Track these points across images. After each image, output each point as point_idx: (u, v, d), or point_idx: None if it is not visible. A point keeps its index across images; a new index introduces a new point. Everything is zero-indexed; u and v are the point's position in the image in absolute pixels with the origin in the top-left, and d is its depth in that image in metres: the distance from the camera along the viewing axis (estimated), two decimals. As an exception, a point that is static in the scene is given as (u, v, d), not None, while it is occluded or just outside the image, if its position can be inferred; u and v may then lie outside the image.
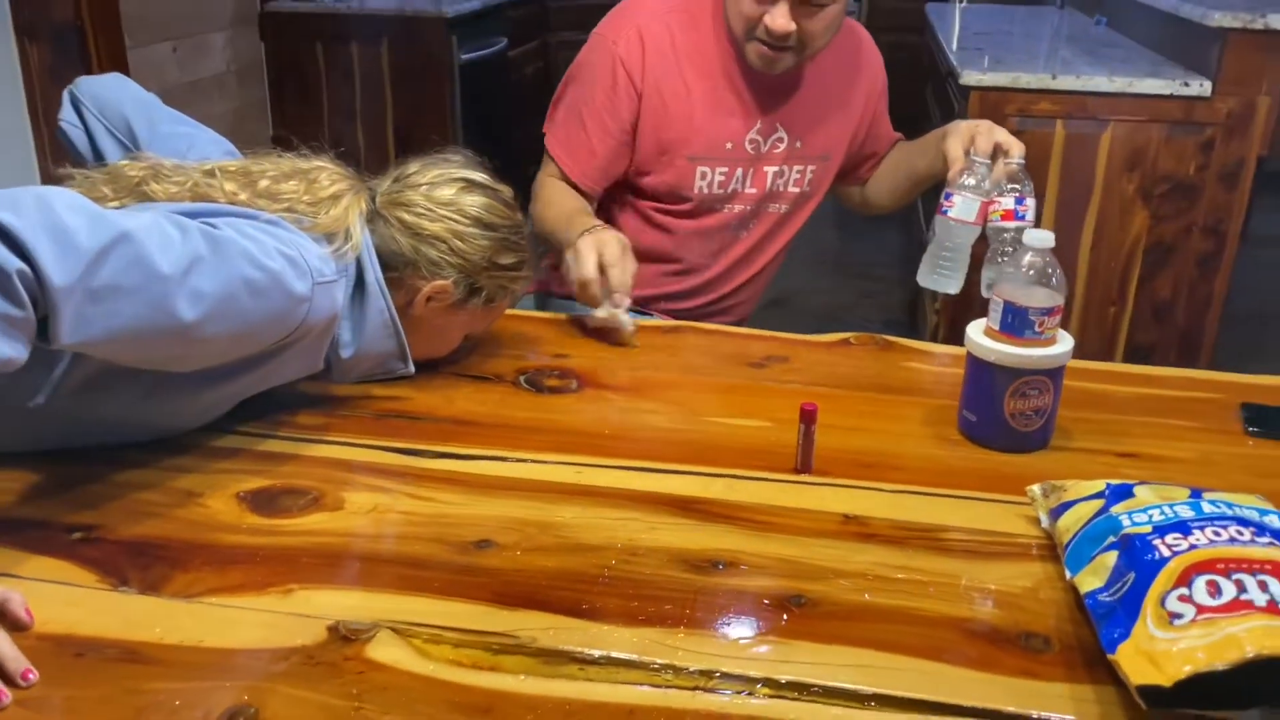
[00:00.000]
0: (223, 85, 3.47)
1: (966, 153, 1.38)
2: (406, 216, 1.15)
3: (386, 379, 1.20)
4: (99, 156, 1.24)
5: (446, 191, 1.17)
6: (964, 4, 4.90)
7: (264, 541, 0.94)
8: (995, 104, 2.49)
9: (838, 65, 1.63)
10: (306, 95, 3.71)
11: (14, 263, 0.76)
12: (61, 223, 0.80)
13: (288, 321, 0.99)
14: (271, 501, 1.00)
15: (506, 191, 1.22)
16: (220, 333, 0.92)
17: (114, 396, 1.00)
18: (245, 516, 0.97)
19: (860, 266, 4.11)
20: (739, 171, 1.60)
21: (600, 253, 1.32)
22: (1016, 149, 1.36)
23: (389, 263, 1.14)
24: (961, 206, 1.33)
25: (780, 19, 1.44)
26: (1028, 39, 3.30)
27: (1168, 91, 2.41)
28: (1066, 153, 2.49)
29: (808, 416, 1.06)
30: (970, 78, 2.48)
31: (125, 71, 2.75)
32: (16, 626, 0.80)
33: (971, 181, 1.34)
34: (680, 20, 1.55)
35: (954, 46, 2.93)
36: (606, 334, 1.37)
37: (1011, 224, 1.31)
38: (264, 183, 1.09)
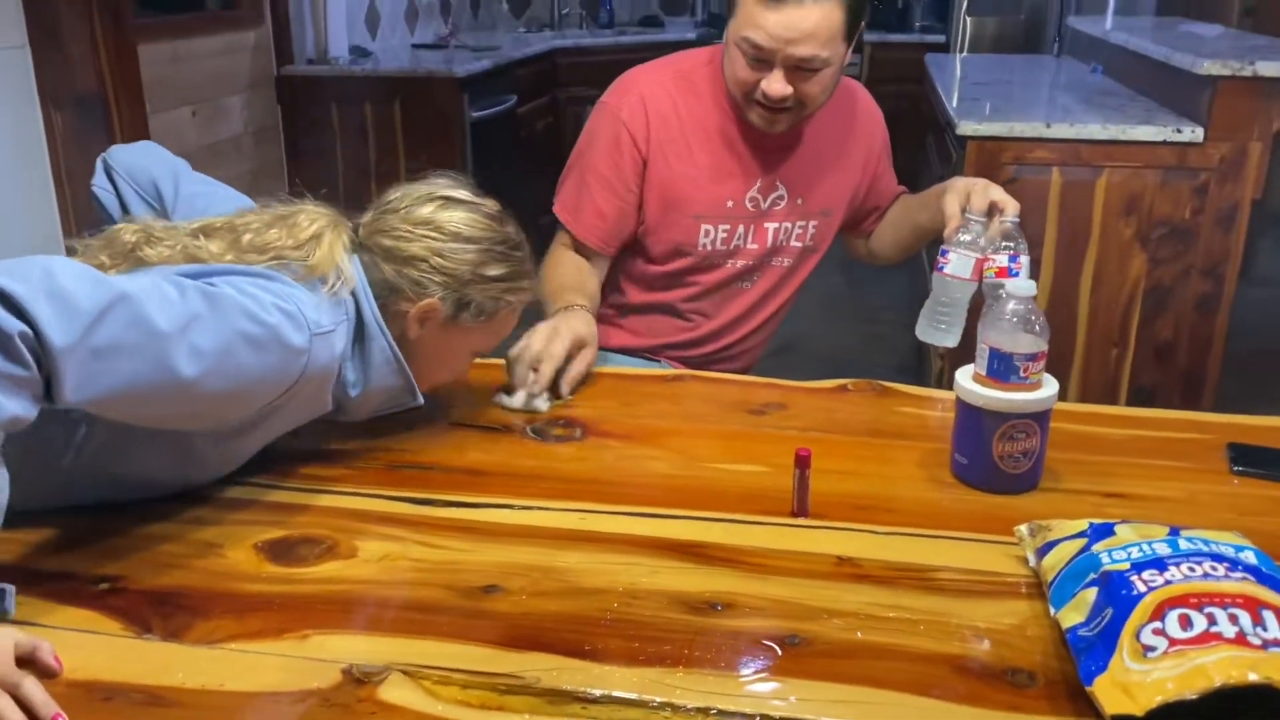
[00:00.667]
0: (240, 147, 3.57)
1: (963, 210, 1.42)
2: (386, 242, 1.16)
3: (398, 413, 1.23)
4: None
5: (424, 210, 1.17)
6: (964, 55, 5.00)
7: (281, 589, 0.98)
8: (992, 153, 2.54)
9: (836, 124, 1.68)
10: (322, 155, 3.80)
11: (16, 325, 0.81)
12: (63, 287, 0.84)
13: (287, 374, 1.02)
14: (288, 551, 1.04)
15: (490, 205, 1.21)
16: (220, 389, 0.96)
17: (133, 455, 1.05)
18: (263, 566, 1.02)
19: (867, 311, 4.15)
20: (740, 228, 1.65)
21: (549, 342, 1.38)
22: (1011, 207, 1.40)
23: (379, 293, 1.15)
24: (957, 263, 1.37)
25: (776, 84, 1.49)
26: (1025, 88, 3.38)
27: (1161, 138, 2.47)
28: (1063, 199, 2.54)
29: (802, 461, 1.10)
30: (967, 128, 2.54)
31: (146, 135, 2.85)
32: (46, 673, 0.84)
33: (967, 239, 1.38)
34: (680, 86, 1.62)
35: (952, 97, 2.99)
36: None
37: (1006, 281, 1.34)
38: (248, 236, 1.13)
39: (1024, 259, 1.35)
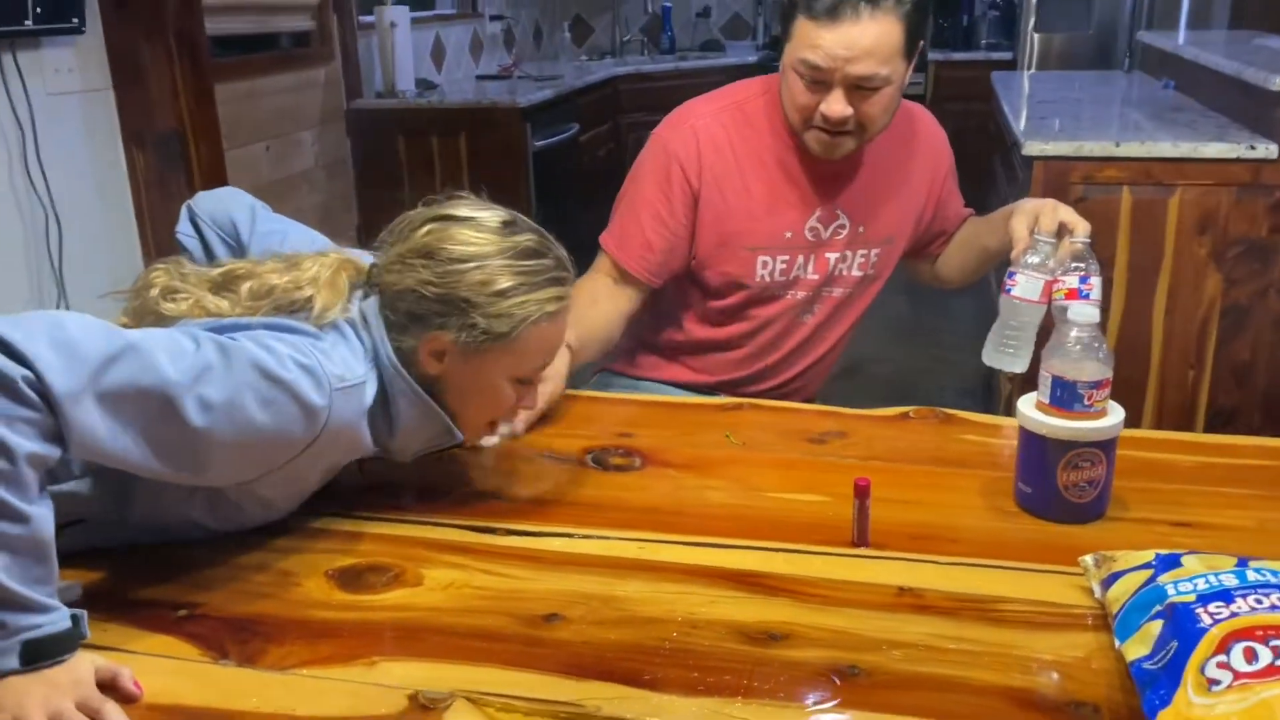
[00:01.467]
0: (311, 180, 3.67)
1: (1031, 232, 1.39)
2: (389, 279, 1.11)
3: (447, 449, 1.20)
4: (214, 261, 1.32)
5: (418, 237, 1.10)
6: (1031, 72, 4.94)
7: (350, 616, 1.01)
8: (1060, 173, 2.51)
9: (896, 148, 1.66)
10: (390, 186, 3.89)
11: (18, 370, 0.82)
12: (68, 336, 0.86)
13: (307, 429, 1.00)
14: (357, 579, 1.07)
15: (493, 216, 1.12)
16: (231, 441, 0.95)
17: (177, 507, 1.06)
18: (333, 593, 1.05)
19: (932, 335, 4.11)
20: (800, 259, 1.64)
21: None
22: (1082, 228, 1.37)
23: (395, 333, 1.10)
24: (1025, 285, 1.34)
25: (836, 105, 1.48)
26: (1095, 105, 3.33)
27: (1234, 155, 2.42)
28: (1135, 219, 2.50)
29: (861, 491, 1.10)
30: (1033, 148, 2.51)
31: (223, 171, 2.95)
32: (127, 699, 0.88)
33: (1035, 260, 1.34)
34: (734, 118, 1.62)
35: (1019, 115, 2.96)
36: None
37: (1076, 304, 1.27)
38: (250, 284, 1.11)
39: (1095, 280, 1.30)
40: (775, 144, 1.61)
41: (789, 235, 1.62)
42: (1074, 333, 1.12)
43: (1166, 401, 2.59)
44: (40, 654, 0.84)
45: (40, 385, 0.83)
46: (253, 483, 1.05)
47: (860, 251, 1.67)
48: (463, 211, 1.12)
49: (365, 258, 1.18)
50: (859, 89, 1.48)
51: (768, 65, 5.46)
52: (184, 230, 1.35)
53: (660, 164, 1.61)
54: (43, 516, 0.85)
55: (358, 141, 3.90)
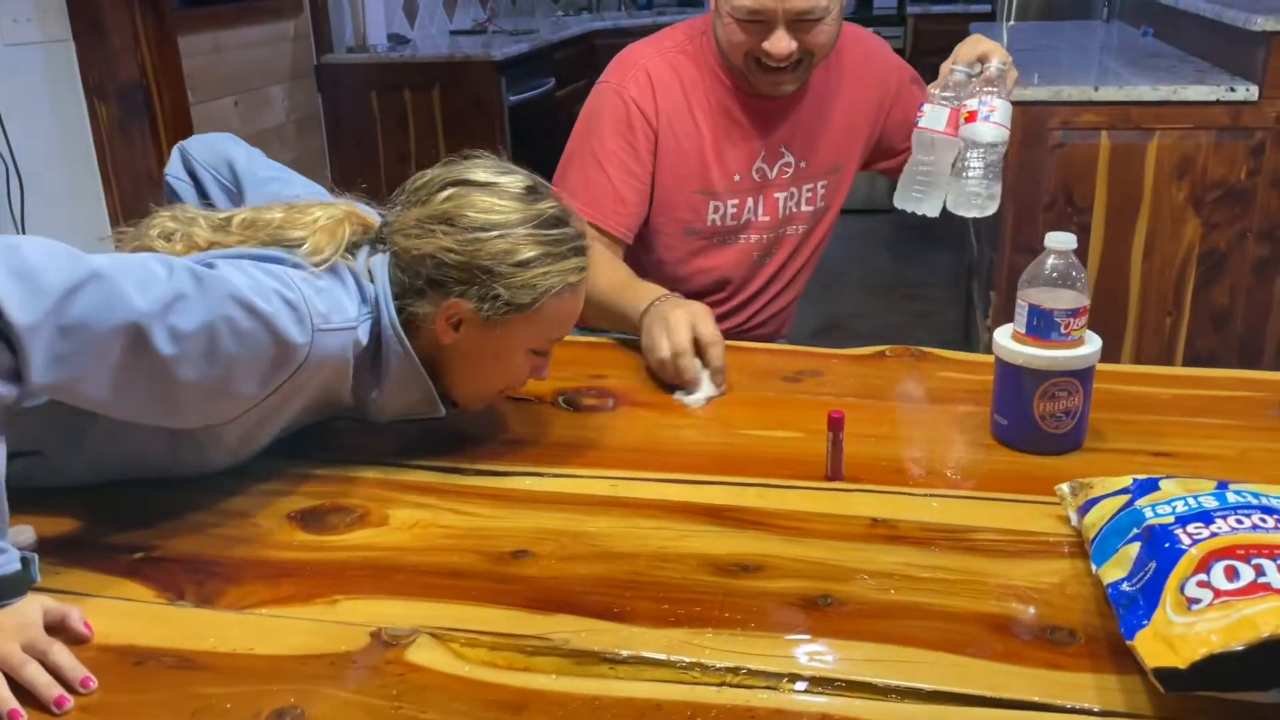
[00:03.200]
0: (282, 136, 3.60)
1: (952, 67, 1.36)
2: (403, 241, 1.07)
3: (425, 419, 1.16)
4: (210, 207, 1.27)
5: (437, 201, 1.07)
6: (1010, 23, 4.90)
7: (312, 556, 0.98)
8: (1039, 119, 2.48)
9: (834, 76, 1.61)
10: (362, 142, 3.83)
11: None
12: (27, 265, 0.81)
13: (283, 365, 0.96)
14: (319, 519, 1.04)
15: (515, 181, 1.08)
16: (202, 376, 0.90)
17: (145, 441, 1.02)
18: (295, 534, 1.02)
19: (911, 288, 4.10)
20: (749, 201, 1.60)
21: (695, 327, 1.28)
22: (997, 54, 1.33)
23: (400, 295, 1.07)
24: (931, 116, 1.28)
25: (781, 43, 1.43)
26: (1073, 53, 3.30)
27: (1214, 98, 2.39)
28: (1113, 163, 2.48)
29: (835, 424, 1.07)
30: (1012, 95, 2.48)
31: (189, 125, 2.89)
32: (77, 640, 0.85)
33: (947, 94, 1.29)
34: (680, 61, 1.56)
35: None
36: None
37: (978, 127, 1.24)
38: (242, 216, 1.09)
39: (998, 102, 1.25)
40: (717, 86, 1.57)
41: (737, 178, 1.59)
42: (1050, 260, 1.09)
43: (1144, 347, 2.59)
44: None
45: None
46: (220, 424, 1.01)
47: (806, 186, 1.64)
48: (483, 176, 1.08)
49: (372, 215, 1.14)
50: (801, 22, 1.44)
51: (745, 19, 5.39)
52: (175, 173, 1.30)
53: (619, 113, 1.54)
54: None
55: (329, 97, 3.82)
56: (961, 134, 1.26)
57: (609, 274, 1.45)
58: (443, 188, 1.08)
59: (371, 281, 1.07)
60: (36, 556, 0.87)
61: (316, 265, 1.03)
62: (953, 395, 1.30)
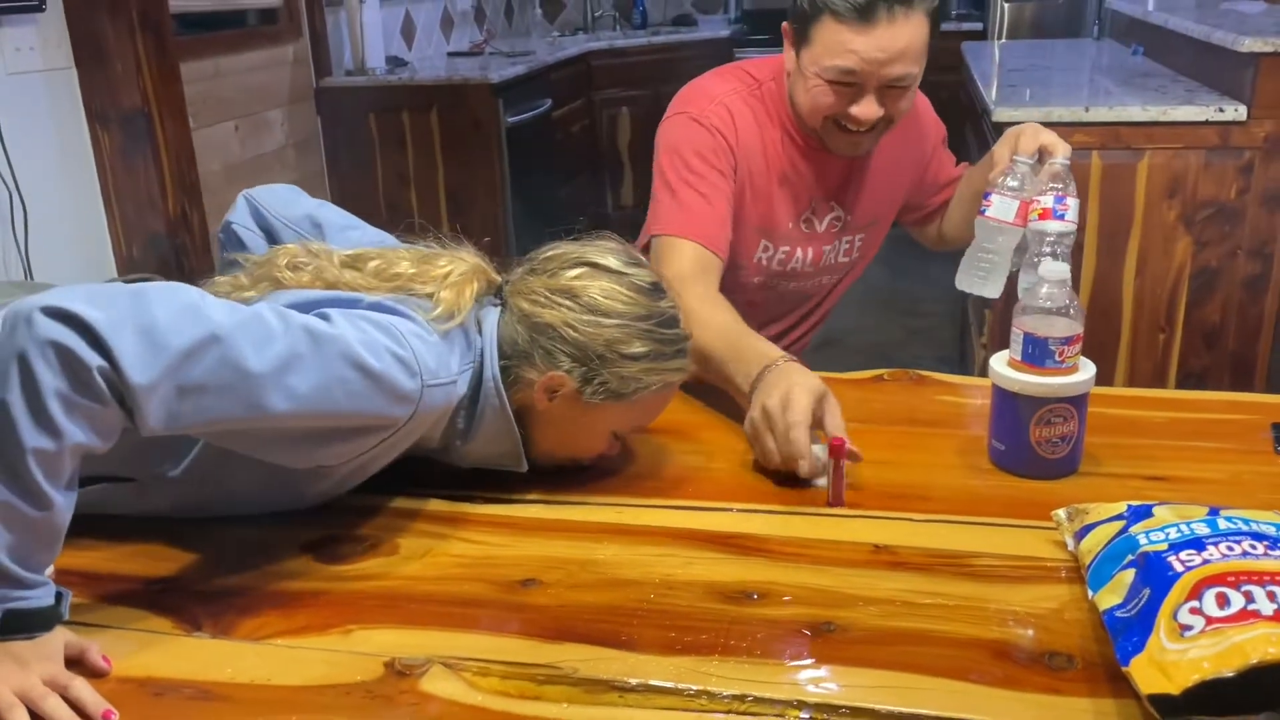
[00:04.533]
0: (282, 159, 3.63)
1: (1011, 156, 1.37)
2: (524, 304, 1.10)
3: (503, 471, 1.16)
4: None
5: (566, 276, 1.10)
6: (1002, 41, 4.94)
7: (326, 586, 1.00)
8: (1030, 139, 2.51)
9: (893, 138, 1.59)
10: (361, 165, 3.86)
11: (94, 359, 0.79)
12: (154, 321, 0.82)
13: (390, 420, 0.98)
14: (332, 549, 1.06)
15: (642, 276, 1.12)
16: (314, 429, 0.94)
17: (240, 474, 1.04)
18: (309, 564, 1.04)
19: (909, 304, 4.13)
20: (798, 251, 1.61)
21: (817, 398, 1.16)
22: (1061, 149, 1.34)
23: (508, 353, 1.10)
24: (999, 206, 1.31)
25: (869, 108, 1.42)
26: (1065, 72, 3.33)
27: (1203, 118, 2.42)
28: (1104, 184, 2.51)
29: (835, 451, 1.10)
30: (1003, 114, 2.51)
31: (191, 150, 2.91)
32: (96, 673, 0.87)
33: (1013, 183, 1.32)
34: (753, 99, 1.55)
35: (990, 84, 2.97)
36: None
37: (1050, 224, 1.27)
38: (375, 263, 1.10)
39: (1071, 200, 1.28)
40: (781, 131, 1.55)
41: (790, 225, 1.59)
42: (1045, 289, 1.12)
43: (1137, 365, 2.61)
44: (16, 626, 0.83)
45: (115, 376, 0.81)
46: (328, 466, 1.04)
47: (846, 239, 1.65)
48: (615, 263, 1.11)
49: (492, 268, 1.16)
50: (890, 89, 1.43)
51: (740, 40, 5.44)
52: (242, 222, 1.29)
53: (703, 138, 1.50)
54: (64, 506, 0.83)
55: (328, 120, 3.85)
56: (1034, 228, 1.29)
57: (714, 319, 1.35)
58: (574, 265, 1.11)
59: (480, 332, 1.10)
60: (70, 593, 0.89)
61: (440, 327, 1.04)
62: (951, 420, 1.32)
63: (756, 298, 1.65)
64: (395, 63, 4.13)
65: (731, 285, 1.62)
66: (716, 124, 1.50)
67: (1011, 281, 1.37)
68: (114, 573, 1.03)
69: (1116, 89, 2.79)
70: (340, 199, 3.84)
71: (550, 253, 1.14)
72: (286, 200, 1.31)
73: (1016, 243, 1.33)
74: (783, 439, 1.13)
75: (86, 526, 1.06)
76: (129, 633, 0.93)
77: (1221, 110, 2.41)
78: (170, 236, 2.79)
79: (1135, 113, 2.45)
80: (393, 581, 1.01)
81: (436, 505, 1.14)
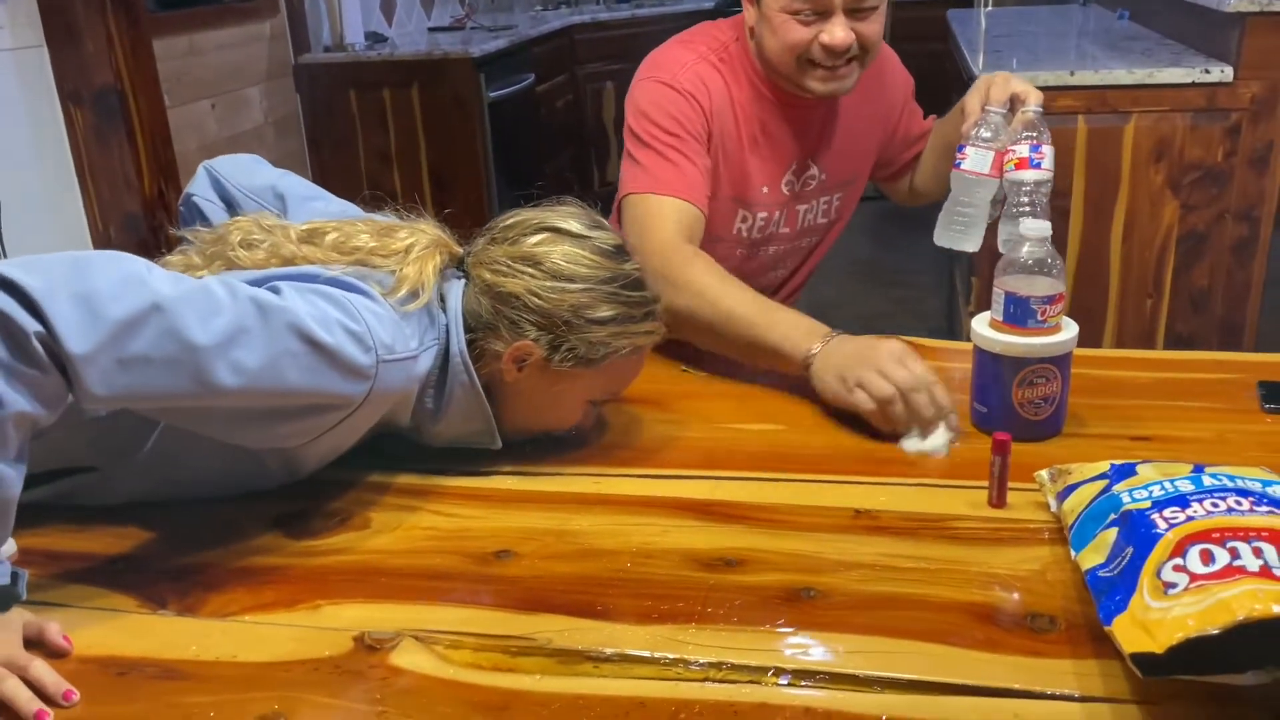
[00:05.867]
0: (261, 137, 3.58)
1: (983, 106, 1.35)
2: (487, 275, 1.07)
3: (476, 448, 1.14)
4: None
5: (528, 243, 1.07)
6: (988, 9, 4.90)
7: (295, 562, 0.98)
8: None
9: (861, 91, 1.57)
10: (342, 142, 3.81)
11: (31, 324, 0.77)
12: (92, 289, 0.80)
13: (345, 398, 0.95)
14: (302, 524, 1.04)
15: (605, 239, 1.10)
16: (265, 408, 0.91)
17: (203, 461, 1.02)
18: (278, 540, 1.02)
19: (895, 275, 4.11)
20: (776, 214, 1.58)
21: (909, 366, 1.15)
22: (1034, 97, 1.32)
23: (473, 326, 1.07)
24: (974, 159, 1.29)
25: (840, 32, 1.39)
26: (1051, 38, 3.30)
27: (1189, 80, 2.40)
28: (1090, 148, 2.48)
29: (1000, 447, 1.00)
30: (988, 79, 2.48)
31: (166, 129, 2.87)
32: (56, 653, 0.85)
33: (986, 134, 1.30)
34: (721, 62, 1.52)
35: (976, 51, 2.93)
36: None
37: (1027, 173, 1.25)
38: (332, 235, 1.07)
39: (1047, 148, 1.26)
40: (754, 97, 1.52)
41: (765, 190, 1.56)
42: (1026, 248, 1.10)
43: (1125, 330, 2.60)
44: None
45: (53, 344, 0.78)
46: (287, 450, 1.01)
47: (823, 199, 1.63)
48: (576, 227, 1.09)
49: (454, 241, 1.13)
50: (856, 11, 1.40)
51: (724, 12, 5.37)
52: (203, 194, 1.26)
53: (674, 101, 1.46)
54: (12, 479, 0.81)
55: (307, 97, 3.80)
56: (1010, 178, 1.27)
57: (726, 289, 1.32)
58: (536, 231, 1.09)
59: (443, 306, 1.07)
60: (26, 573, 0.87)
61: (405, 307, 1.01)
62: (933, 384, 1.30)
63: (734, 267, 1.61)
64: (375, 38, 4.07)
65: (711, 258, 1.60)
66: (689, 89, 1.47)
67: (991, 235, 1.35)
68: (77, 550, 1.00)
69: (1102, 53, 2.76)
70: (321, 178, 3.80)
71: (510, 220, 1.11)
72: (248, 170, 1.27)
73: (993, 194, 1.31)
74: (931, 399, 1.13)
75: (49, 504, 1.04)
76: (91, 611, 0.91)
77: (1208, 72, 2.38)
78: (147, 216, 2.75)
79: (1121, 75, 2.42)
80: (363, 555, 0.99)
81: (408, 479, 1.12)
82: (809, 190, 1.60)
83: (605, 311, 1.06)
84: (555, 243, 1.07)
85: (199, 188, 1.26)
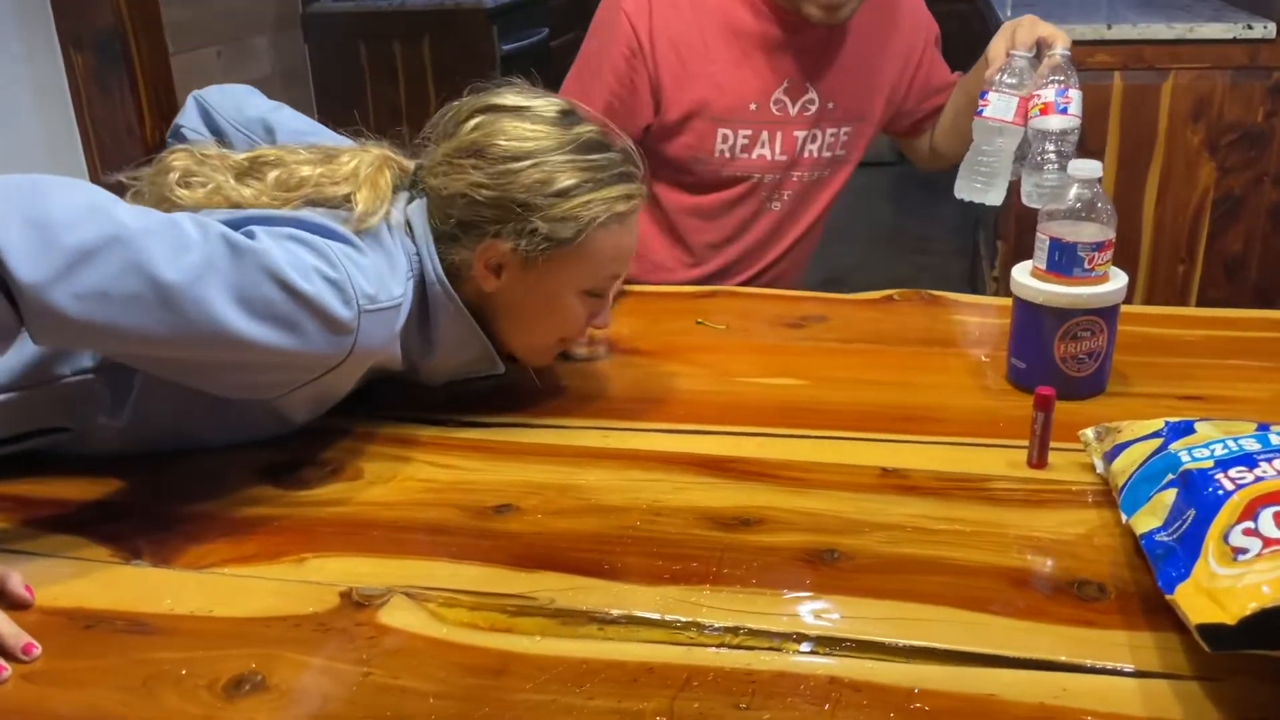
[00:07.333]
0: (268, 88, 3.45)
1: (1008, 52, 1.29)
2: (434, 181, 0.99)
3: (485, 378, 1.07)
4: None
5: (464, 132, 0.98)
6: (1016, -32, 4.76)
7: (280, 512, 0.91)
8: (1048, 59, 2.39)
9: (874, 24, 1.55)
10: (351, 94, 3.72)
11: None
12: (47, 214, 0.73)
13: (328, 352, 0.87)
14: (290, 473, 0.97)
15: (547, 106, 1.00)
16: (235, 360, 0.84)
17: (191, 413, 0.96)
18: (264, 489, 0.95)
19: (915, 241, 4.01)
20: (764, 134, 1.52)
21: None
22: (1061, 40, 1.26)
23: (442, 243, 0.98)
24: (997, 105, 1.22)
25: None
26: (1083, -6, 3.19)
27: (1230, 36, 2.30)
28: (1126, 106, 2.38)
29: (1043, 403, 0.92)
30: (1019, 34, 2.38)
31: (169, 75, 2.79)
32: (18, 604, 0.78)
33: (1010, 80, 1.23)
34: None
35: (1005, 6, 2.83)
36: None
37: (1053, 119, 1.19)
38: (276, 173, 0.99)
39: (1074, 93, 1.19)
40: (745, 7, 1.48)
41: (753, 107, 1.50)
42: (1075, 190, 1.02)
43: (1155, 295, 2.51)
44: None
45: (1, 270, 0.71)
46: (271, 400, 0.94)
47: (830, 130, 1.56)
48: (513, 100, 0.99)
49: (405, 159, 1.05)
50: None
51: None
52: (191, 125, 1.18)
53: (611, 23, 1.48)
54: None
55: (316, 48, 3.72)
56: (1034, 125, 1.21)
57: None
58: (470, 116, 0.99)
59: (410, 234, 0.98)
60: None
61: (363, 230, 0.93)
62: (966, 340, 1.23)
63: (731, 197, 1.56)
64: (386, -11, 3.98)
65: (697, 191, 1.54)
66: (629, 9, 1.46)
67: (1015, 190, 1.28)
68: (48, 496, 0.94)
69: (1139, 7, 2.65)
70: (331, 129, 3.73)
71: (447, 113, 1.02)
72: (239, 101, 1.19)
73: (1017, 143, 1.24)
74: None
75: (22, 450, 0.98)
76: (61, 560, 0.85)
77: (1250, 28, 2.28)
78: (150, 166, 2.68)
79: (1160, 30, 2.32)
80: (354, 507, 0.92)
81: (407, 428, 1.05)
82: (806, 116, 1.53)
83: (565, 181, 0.96)
84: (493, 123, 0.98)
85: (187, 118, 1.18)
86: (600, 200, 0.97)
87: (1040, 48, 1.27)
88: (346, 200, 0.96)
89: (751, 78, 1.49)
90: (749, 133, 1.51)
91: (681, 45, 1.47)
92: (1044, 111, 1.18)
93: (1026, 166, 1.22)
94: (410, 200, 1.01)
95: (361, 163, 0.99)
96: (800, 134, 1.54)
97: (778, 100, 1.51)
